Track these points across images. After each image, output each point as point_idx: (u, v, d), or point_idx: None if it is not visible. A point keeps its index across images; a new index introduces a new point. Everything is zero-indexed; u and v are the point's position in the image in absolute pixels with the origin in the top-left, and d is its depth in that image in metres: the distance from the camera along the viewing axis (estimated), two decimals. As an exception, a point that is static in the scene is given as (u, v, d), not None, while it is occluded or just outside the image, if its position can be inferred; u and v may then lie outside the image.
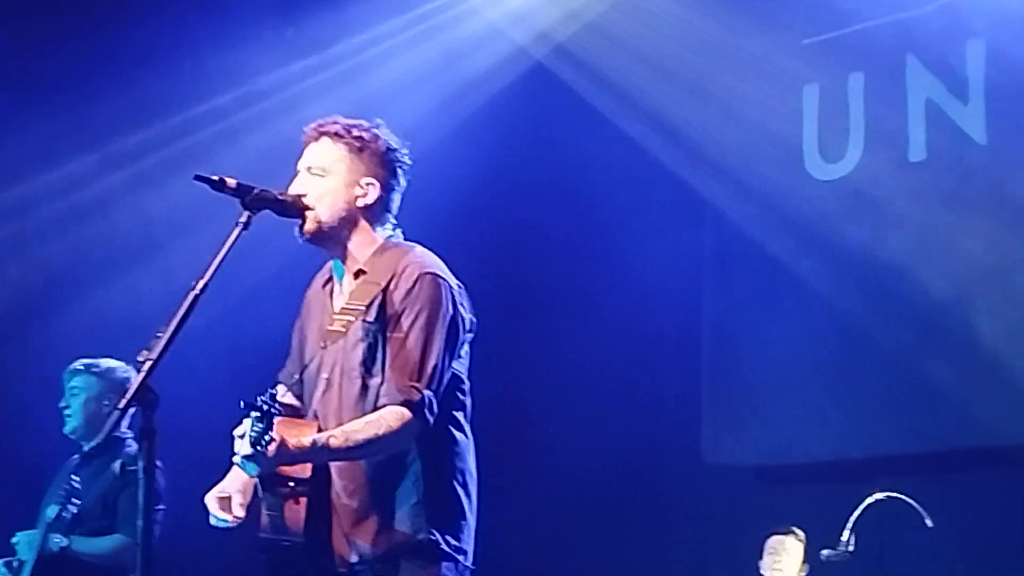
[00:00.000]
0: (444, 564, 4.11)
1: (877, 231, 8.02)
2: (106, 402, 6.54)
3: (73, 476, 6.33)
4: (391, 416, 3.98)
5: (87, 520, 6.34)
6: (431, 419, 4.04)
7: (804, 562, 7.18)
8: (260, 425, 3.74)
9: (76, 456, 6.62)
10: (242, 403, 3.77)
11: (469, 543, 4.21)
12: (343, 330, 4.15)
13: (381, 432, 3.96)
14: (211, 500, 4.11)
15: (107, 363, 6.65)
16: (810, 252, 8.23)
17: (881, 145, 8.11)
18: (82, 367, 6.64)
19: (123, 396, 3.54)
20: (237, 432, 3.83)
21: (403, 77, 8.40)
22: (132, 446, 6.49)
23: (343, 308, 4.20)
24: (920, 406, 7.75)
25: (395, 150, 4.30)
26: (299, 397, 4.34)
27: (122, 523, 6.35)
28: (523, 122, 8.80)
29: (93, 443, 6.52)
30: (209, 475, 4.23)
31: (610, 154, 8.66)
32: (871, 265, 7.98)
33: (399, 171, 4.31)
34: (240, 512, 4.08)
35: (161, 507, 6.34)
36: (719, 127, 8.54)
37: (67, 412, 6.57)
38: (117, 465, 3.33)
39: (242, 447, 3.78)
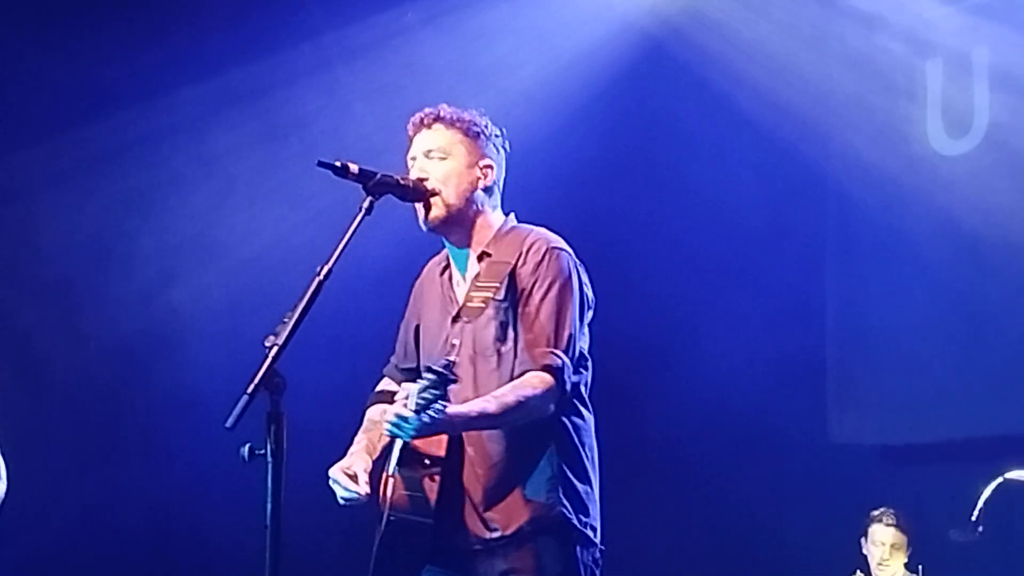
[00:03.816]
0: (578, 545, 4.12)
1: (1003, 207, 7.89)
2: None
3: None
4: (534, 379, 4.02)
5: None
6: (569, 385, 4.07)
7: (908, 545, 7.19)
8: (436, 391, 3.70)
9: None
10: (425, 369, 3.76)
11: (598, 520, 4.23)
12: (483, 305, 4.15)
13: (527, 394, 3.99)
14: (337, 473, 4.11)
15: None
16: (934, 229, 8.13)
17: (1007, 119, 7.97)
18: None
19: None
20: (400, 395, 3.83)
21: (511, 54, 8.35)
22: None
23: (476, 287, 4.21)
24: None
25: (500, 136, 4.36)
26: None
27: None
28: (635, 101, 8.73)
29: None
30: (316, 460, 4.23)
31: (728, 133, 8.59)
32: (997, 241, 7.86)
33: (504, 156, 4.37)
34: (367, 489, 4.08)
35: None
36: (840, 103, 8.44)
37: None
38: (245, 449, 3.30)
39: (407, 406, 3.75)
